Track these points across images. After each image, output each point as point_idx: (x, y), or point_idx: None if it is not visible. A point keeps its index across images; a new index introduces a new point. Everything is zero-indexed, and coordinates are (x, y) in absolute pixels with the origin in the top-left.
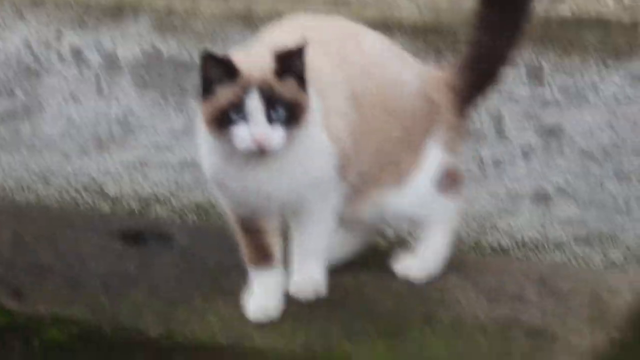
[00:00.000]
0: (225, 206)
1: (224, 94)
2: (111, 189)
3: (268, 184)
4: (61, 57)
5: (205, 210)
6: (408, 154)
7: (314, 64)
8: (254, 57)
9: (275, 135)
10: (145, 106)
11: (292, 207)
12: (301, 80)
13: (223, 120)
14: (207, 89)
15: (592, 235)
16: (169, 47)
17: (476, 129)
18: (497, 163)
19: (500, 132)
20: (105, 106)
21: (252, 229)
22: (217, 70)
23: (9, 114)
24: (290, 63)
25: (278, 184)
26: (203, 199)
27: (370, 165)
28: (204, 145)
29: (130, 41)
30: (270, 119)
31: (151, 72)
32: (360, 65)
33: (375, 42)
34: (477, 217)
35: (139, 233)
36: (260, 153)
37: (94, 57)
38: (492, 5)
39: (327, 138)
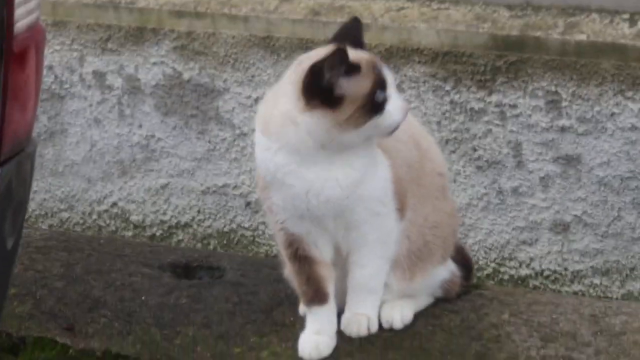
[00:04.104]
0: (275, 221)
1: (359, 85)
2: (134, 215)
3: (325, 180)
4: (84, 82)
5: (228, 237)
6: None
7: None
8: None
9: None
10: (167, 131)
11: (344, 221)
12: None
13: (369, 107)
14: (328, 99)
15: (610, 265)
16: (191, 70)
17: (495, 158)
18: (515, 193)
19: (519, 162)
20: (127, 131)
21: (303, 256)
22: (340, 68)
23: None
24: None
25: (333, 181)
26: (225, 225)
27: (425, 236)
28: (262, 146)
29: (152, 65)
30: None
31: (173, 96)
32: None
33: None
34: (496, 247)
35: (190, 265)
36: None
37: (116, 82)
38: None
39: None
